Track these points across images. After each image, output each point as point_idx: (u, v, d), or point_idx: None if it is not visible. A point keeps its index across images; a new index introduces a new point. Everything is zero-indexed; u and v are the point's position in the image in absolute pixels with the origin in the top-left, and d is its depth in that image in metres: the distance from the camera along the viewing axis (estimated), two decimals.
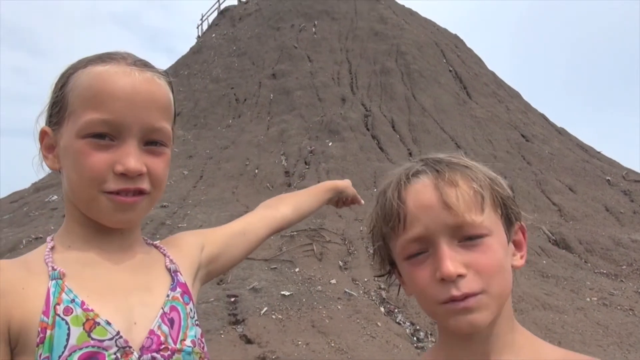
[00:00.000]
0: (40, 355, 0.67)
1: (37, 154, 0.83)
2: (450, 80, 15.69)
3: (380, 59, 15.63)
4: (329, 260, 7.31)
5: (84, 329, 0.69)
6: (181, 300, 0.82)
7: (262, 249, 7.55)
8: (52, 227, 8.95)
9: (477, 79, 16.47)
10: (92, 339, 0.69)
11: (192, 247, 0.93)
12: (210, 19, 23.34)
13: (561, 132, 15.84)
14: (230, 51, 18.06)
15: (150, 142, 0.78)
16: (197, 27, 24.45)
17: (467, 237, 0.71)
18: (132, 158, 0.74)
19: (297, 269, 6.88)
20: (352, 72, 15.50)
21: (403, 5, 20.37)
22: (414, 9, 20.72)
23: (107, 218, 0.77)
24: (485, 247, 0.71)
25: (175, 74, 18.83)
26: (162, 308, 0.78)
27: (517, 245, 0.82)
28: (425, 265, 0.72)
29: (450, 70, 16.27)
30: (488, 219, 0.72)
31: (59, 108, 0.77)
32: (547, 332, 5.34)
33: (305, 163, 11.56)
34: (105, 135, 0.74)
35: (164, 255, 0.88)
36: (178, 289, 0.82)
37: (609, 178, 11.80)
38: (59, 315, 0.68)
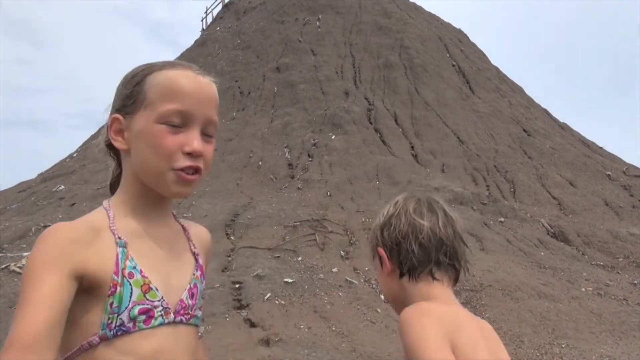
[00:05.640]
0: (112, 304, 0.88)
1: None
2: (453, 75, 15.78)
3: (383, 53, 15.72)
4: (331, 250, 7.48)
5: (141, 290, 0.91)
6: (200, 280, 1.03)
7: (266, 238, 7.73)
8: (60, 216, 9.15)
9: (480, 74, 16.55)
10: (147, 299, 0.91)
11: (206, 252, 1.13)
12: (215, 12, 23.46)
13: (563, 127, 15.92)
14: (234, 44, 18.17)
15: (204, 133, 0.98)
16: (202, 20, 24.54)
17: None
18: (197, 141, 0.94)
19: (299, 258, 7.05)
20: (355, 66, 15.61)
21: (407, 0, 20.41)
22: (418, 3, 20.77)
23: (169, 190, 0.96)
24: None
25: None
26: (189, 283, 1.00)
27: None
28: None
29: (453, 65, 16.35)
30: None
31: (133, 100, 0.96)
32: (542, 319, 5.49)
33: (309, 156, 11.71)
34: (177, 123, 0.94)
35: (188, 239, 1.07)
36: (198, 271, 1.03)
37: (610, 173, 11.91)
38: (125, 277, 0.90)
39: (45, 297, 0.82)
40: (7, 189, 14.36)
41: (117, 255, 0.90)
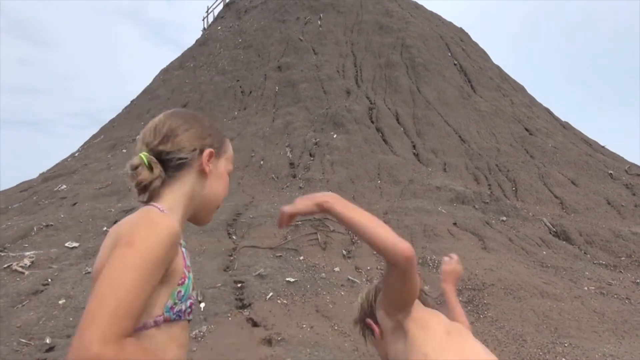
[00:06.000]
0: (180, 292, 1.06)
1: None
2: (454, 74, 15.75)
3: (385, 52, 15.70)
4: (333, 249, 7.47)
5: (192, 286, 1.11)
6: None
7: (268, 237, 7.72)
8: (62, 215, 9.15)
9: (482, 73, 16.51)
10: (193, 295, 1.12)
11: None
12: (216, 12, 23.46)
13: (565, 126, 15.87)
14: (235, 43, 18.16)
15: None
16: (203, 20, 24.56)
17: None
18: None
19: (301, 257, 7.04)
20: (357, 65, 15.59)
21: None
22: (419, 2, 20.74)
23: (208, 219, 1.27)
24: None
25: (181, 66, 18.95)
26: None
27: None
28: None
29: (455, 64, 16.32)
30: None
31: (218, 148, 1.26)
32: (545, 318, 5.48)
33: (310, 155, 11.70)
34: None
35: None
36: None
37: (612, 172, 11.87)
38: (189, 272, 1.10)
39: (146, 293, 0.95)
40: (8, 188, 14.38)
41: (183, 252, 1.10)
